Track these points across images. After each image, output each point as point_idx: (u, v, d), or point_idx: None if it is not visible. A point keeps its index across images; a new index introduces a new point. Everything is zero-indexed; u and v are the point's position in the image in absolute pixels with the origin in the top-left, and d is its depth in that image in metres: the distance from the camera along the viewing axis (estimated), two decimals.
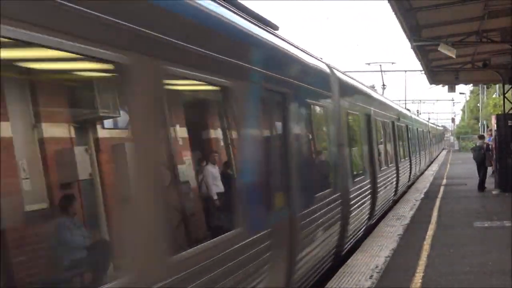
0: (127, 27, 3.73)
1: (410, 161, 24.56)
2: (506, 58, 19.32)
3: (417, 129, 30.79)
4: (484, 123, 51.21)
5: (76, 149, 3.66)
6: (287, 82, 7.48)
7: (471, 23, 15.98)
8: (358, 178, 12.18)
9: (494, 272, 9.26)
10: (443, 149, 78.07)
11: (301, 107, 8.17)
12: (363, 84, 16.05)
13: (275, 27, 8.06)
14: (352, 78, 14.06)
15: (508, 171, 20.36)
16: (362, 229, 12.76)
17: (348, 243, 11.06)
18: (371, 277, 9.13)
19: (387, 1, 12.69)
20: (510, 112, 22.44)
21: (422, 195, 20.92)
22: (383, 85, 45.25)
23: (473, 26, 16.26)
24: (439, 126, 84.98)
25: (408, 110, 35.20)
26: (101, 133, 3.88)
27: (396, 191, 19.24)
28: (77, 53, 3.32)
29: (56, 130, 3.64)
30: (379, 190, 14.76)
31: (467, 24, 16.00)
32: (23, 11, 2.91)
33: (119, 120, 3.99)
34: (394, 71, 68.30)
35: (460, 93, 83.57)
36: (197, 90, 5.41)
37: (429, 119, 70.29)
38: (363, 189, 12.56)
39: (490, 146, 21.97)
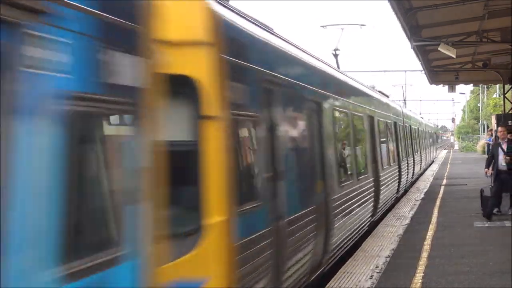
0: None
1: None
2: (506, 58, 19.35)
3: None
4: (484, 123, 51.20)
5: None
6: (397, 118, 18.04)
7: (471, 23, 16.00)
8: (410, 156, 23.26)
9: (494, 272, 9.25)
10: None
11: (401, 127, 19.08)
12: (408, 109, 27.47)
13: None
14: (405, 107, 25.75)
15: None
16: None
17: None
18: (371, 277, 9.12)
19: (387, 1, 12.71)
20: (510, 112, 22.46)
21: (423, 195, 20.92)
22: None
23: (473, 26, 16.28)
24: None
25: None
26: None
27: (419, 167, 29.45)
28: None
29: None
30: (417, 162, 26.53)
31: (467, 24, 16.02)
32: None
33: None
34: (394, 71, 68.39)
35: (460, 93, 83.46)
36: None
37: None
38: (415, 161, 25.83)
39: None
